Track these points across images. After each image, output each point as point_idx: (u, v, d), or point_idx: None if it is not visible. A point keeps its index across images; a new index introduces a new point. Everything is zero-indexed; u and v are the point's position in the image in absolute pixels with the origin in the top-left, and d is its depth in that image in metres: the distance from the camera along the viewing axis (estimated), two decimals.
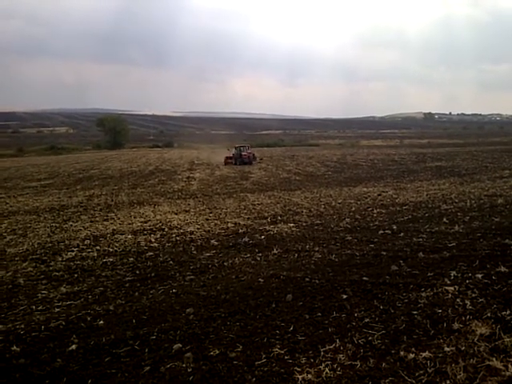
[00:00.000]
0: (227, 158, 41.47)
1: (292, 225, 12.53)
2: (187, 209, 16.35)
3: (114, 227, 13.24)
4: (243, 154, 41.21)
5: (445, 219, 12.23)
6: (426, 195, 17.52)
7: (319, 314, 5.88)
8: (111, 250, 10.48)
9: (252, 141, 73.60)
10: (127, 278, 8.16)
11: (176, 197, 20.22)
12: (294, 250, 9.57)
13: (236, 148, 42.59)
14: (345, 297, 6.45)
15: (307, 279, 7.36)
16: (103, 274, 8.51)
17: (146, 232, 12.38)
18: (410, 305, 6.02)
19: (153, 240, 11.32)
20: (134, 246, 10.73)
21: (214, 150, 61.86)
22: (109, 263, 9.29)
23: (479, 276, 7.00)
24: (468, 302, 5.96)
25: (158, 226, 13.25)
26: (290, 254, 9.28)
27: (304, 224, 12.65)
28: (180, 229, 12.63)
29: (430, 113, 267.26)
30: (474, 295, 6.23)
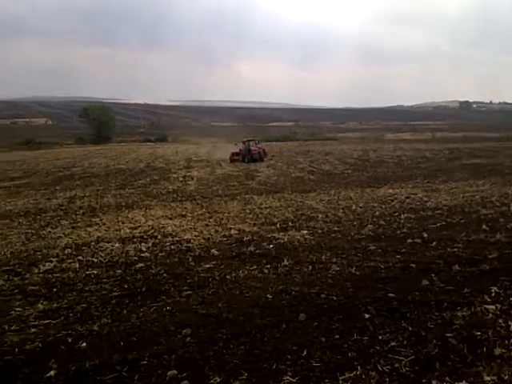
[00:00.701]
0: (233, 154, 40.85)
1: (305, 232, 12.51)
2: (183, 213, 16.36)
3: (99, 234, 13.28)
4: (252, 149, 40.61)
5: (484, 226, 12.18)
6: (462, 198, 17.44)
7: (337, 336, 5.88)
8: (95, 260, 10.51)
9: (259, 134, 73.62)
10: (114, 294, 8.18)
11: (171, 199, 20.24)
12: (308, 262, 9.56)
13: (244, 142, 41.99)
14: (367, 316, 6.44)
15: (323, 296, 7.35)
16: (86, 289, 8.53)
17: (135, 240, 12.40)
18: (444, 326, 6.00)
19: (144, 249, 11.34)
20: (122, 256, 10.74)
21: (215, 144, 61.92)
22: (93, 276, 9.31)
23: None
24: None
25: (149, 232, 13.27)
26: (302, 266, 9.26)
27: (319, 231, 12.62)
28: (175, 236, 12.64)
29: (466, 101, 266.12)
30: None
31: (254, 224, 13.97)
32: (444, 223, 12.96)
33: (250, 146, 41.46)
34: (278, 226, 13.56)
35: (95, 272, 9.56)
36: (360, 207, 16.32)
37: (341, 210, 15.80)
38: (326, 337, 5.86)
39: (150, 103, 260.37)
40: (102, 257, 10.79)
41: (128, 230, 13.66)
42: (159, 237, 12.66)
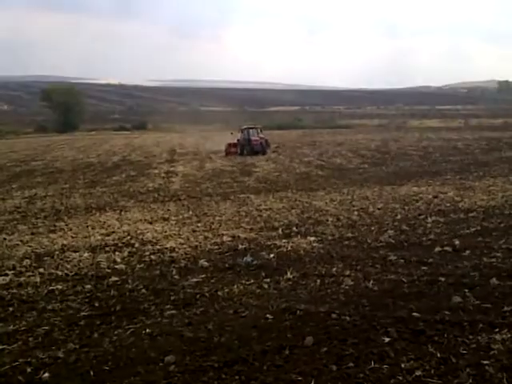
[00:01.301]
0: (230, 145, 40.52)
1: (313, 239, 12.51)
2: (166, 216, 16.36)
3: (65, 242, 13.26)
4: (253, 139, 40.16)
5: None
6: (502, 198, 17.46)
7: (351, 364, 5.88)
8: (60, 273, 10.48)
9: (257, 121, 73.67)
10: (82, 314, 8.16)
11: (151, 199, 20.24)
12: (316, 275, 9.56)
13: (243, 131, 41.33)
14: (387, 340, 6.44)
15: (334, 315, 7.35)
16: (49, 308, 8.50)
17: (108, 248, 12.39)
18: (480, 352, 6.01)
19: (118, 260, 11.32)
20: (92, 269, 10.72)
21: (205, 133, 61.89)
22: (57, 292, 9.29)
23: None
24: None
25: (125, 239, 13.26)
26: (309, 280, 9.26)
27: (330, 238, 12.63)
28: (156, 244, 12.63)
29: (507, 81, 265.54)
30: None
31: (251, 229, 13.97)
32: (479, 228, 12.97)
33: (251, 135, 40.85)
34: (279, 231, 13.56)
35: (60, 287, 9.53)
36: (378, 209, 16.33)
37: (355, 213, 15.81)
38: (338, 365, 5.86)
39: (126, 84, 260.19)
40: (67, 269, 10.76)
41: (99, 237, 13.64)
42: (137, 245, 12.65)
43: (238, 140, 40.70)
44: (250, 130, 42.01)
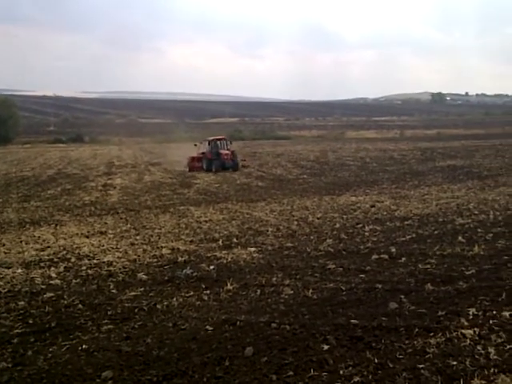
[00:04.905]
0: (193, 158, 36.04)
1: (253, 249, 12.58)
2: (103, 230, 16.12)
3: None
4: (223, 152, 35.31)
5: (460, 238, 12.61)
6: (436, 206, 18.00)
7: (291, 372, 5.92)
8: None
9: (197, 132, 73.54)
10: (16, 331, 7.98)
11: (87, 213, 19.88)
12: (256, 285, 9.62)
13: (210, 143, 36.44)
14: (326, 348, 6.52)
15: (274, 325, 7.39)
16: None
17: (43, 264, 12.13)
18: (415, 356, 6.15)
19: (53, 275, 11.11)
20: (26, 285, 10.49)
21: (144, 145, 61.31)
22: None
23: (506, 314, 7.26)
24: (492, 350, 6.16)
25: (60, 254, 13.01)
26: (249, 291, 9.31)
27: (270, 248, 12.72)
28: (93, 258, 12.44)
29: (439, 93, 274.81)
30: (499, 340, 6.45)
31: (191, 241, 13.92)
32: (414, 235, 13.32)
33: (219, 148, 36.23)
34: (219, 242, 13.56)
35: None
36: (317, 218, 16.54)
37: (295, 223, 15.96)
38: (278, 374, 5.89)
39: (61, 95, 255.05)
40: (0, 286, 10.48)
41: (34, 252, 13.34)
42: (73, 259, 12.44)
43: (202, 153, 36.06)
44: (218, 142, 37.10)
